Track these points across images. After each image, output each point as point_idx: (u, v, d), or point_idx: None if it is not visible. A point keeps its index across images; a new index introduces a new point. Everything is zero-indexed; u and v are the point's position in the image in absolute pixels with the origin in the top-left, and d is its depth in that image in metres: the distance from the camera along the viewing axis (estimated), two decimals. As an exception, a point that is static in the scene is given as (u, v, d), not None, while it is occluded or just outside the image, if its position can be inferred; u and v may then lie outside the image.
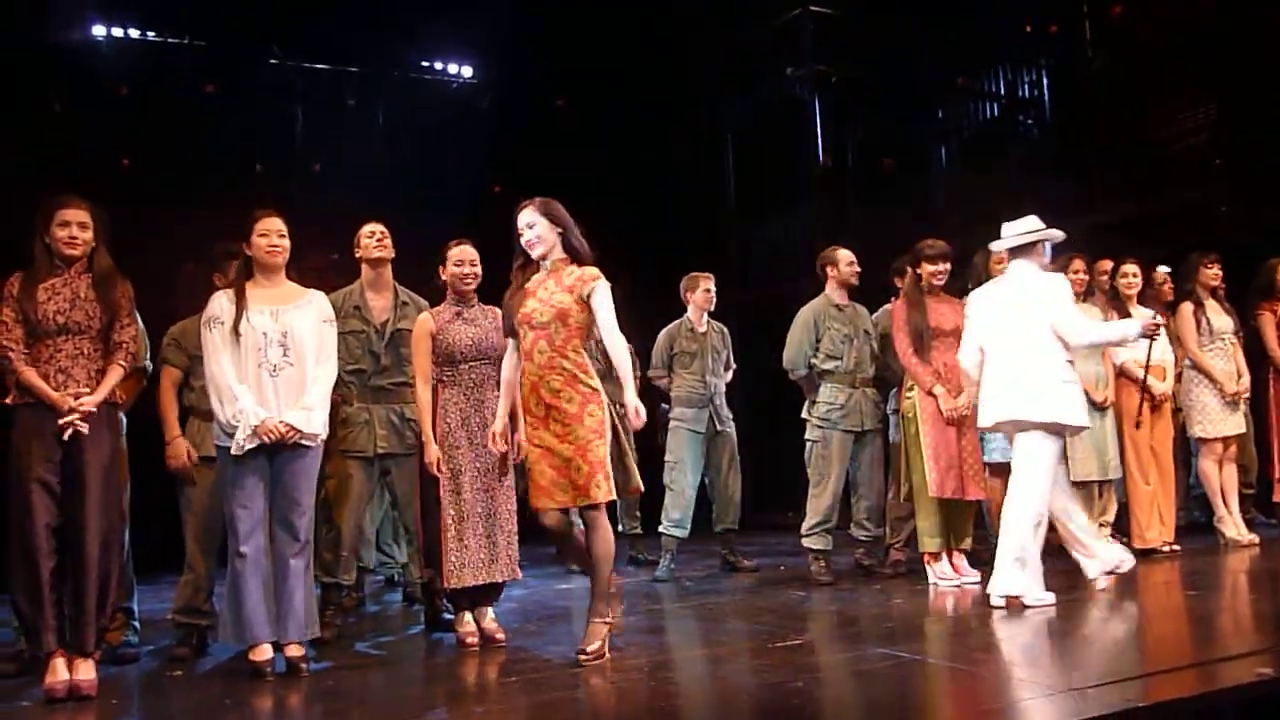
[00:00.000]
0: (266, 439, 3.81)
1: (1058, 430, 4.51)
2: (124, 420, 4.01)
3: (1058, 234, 4.70)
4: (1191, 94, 9.69)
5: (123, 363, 3.83)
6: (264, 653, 3.83)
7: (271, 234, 3.98)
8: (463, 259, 4.43)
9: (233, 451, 3.80)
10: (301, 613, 3.91)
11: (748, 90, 10.73)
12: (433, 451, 4.25)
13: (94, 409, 3.71)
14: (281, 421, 3.83)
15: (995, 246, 4.84)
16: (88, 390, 3.73)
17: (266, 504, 3.90)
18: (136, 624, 4.44)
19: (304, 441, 3.91)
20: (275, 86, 9.42)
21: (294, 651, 3.89)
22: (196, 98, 8.84)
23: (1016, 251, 4.72)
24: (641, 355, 6.75)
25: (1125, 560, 4.84)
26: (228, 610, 3.87)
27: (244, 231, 3.98)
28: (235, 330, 3.86)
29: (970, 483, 5.17)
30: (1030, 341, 4.54)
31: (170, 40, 8.98)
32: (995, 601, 4.51)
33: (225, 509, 3.92)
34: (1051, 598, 4.50)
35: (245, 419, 3.79)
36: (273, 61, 9.36)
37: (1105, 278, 5.99)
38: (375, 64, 9.78)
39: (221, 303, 3.93)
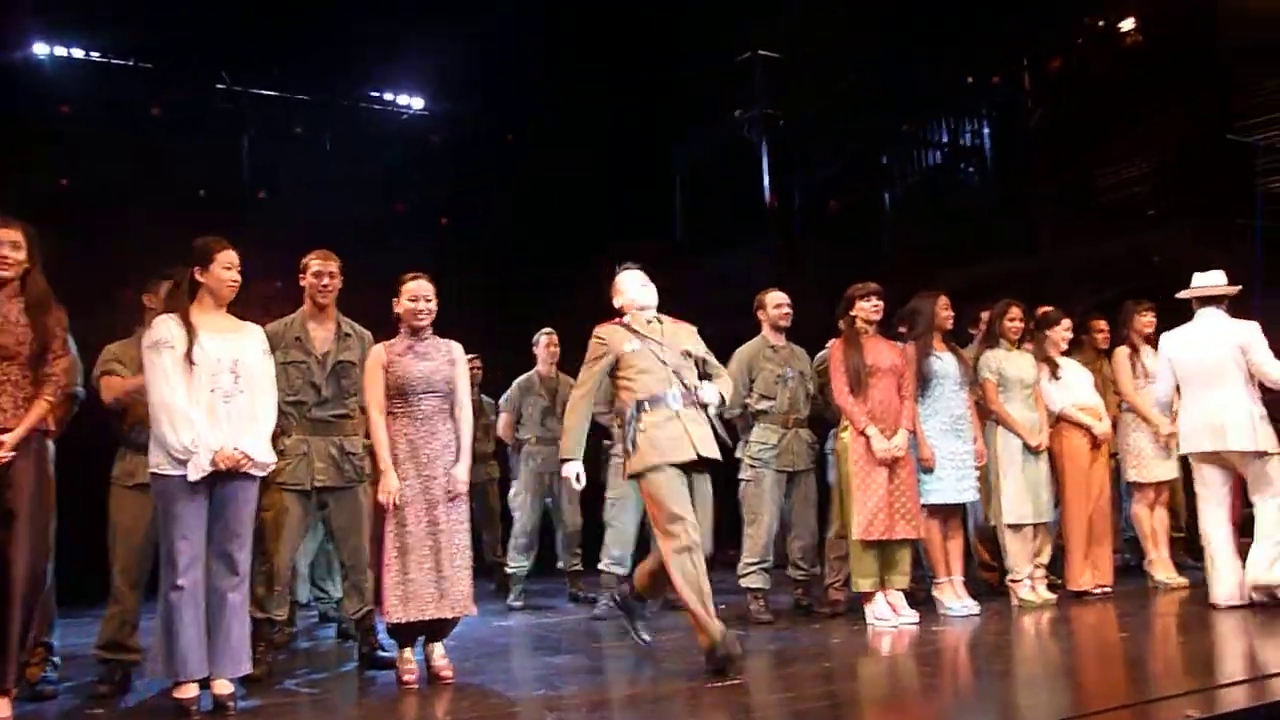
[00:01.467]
0: (224, 466, 3.75)
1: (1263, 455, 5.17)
2: (53, 448, 3.91)
3: (1235, 289, 5.42)
4: (1129, 145, 9.99)
5: (49, 397, 3.74)
6: (190, 690, 3.72)
7: (234, 268, 3.97)
8: (418, 294, 4.37)
9: (190, 478, 3.72)
10: (237, 648, 3.83)
11: (697, 130, 10.85)
12: (391, 481, 4.17)
13: (13, 452, 3.60)
14: (236, 449, 3.78)
15: (1185, 294, 5.45)
16: (14, 421, 3.63)
17: (204, 535, 3.82)
18: (56, 659, 4.30)
19: (254, 471, 3.86)
20: (222, 112, 9.34)
21: (222, 689, 3.78)
22: (141, 120, 8.73)
23: (1206, 301, 5.39)
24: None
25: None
26: (160, 645, 3.75)
27: (200, 259, 3.92)
28: (189, 357, 3.79)
29: (899, 521, 5.19)
30: (1232, 379, 5.21)
31: (115, 61, 8.87)
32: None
33: (163, 540, 3.80)
34: None
35: (205, 444, 3.72)
36: (220, 86, 9.29)
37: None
38: (325, 92, 9.74)
39: (170, 327, 3.84)
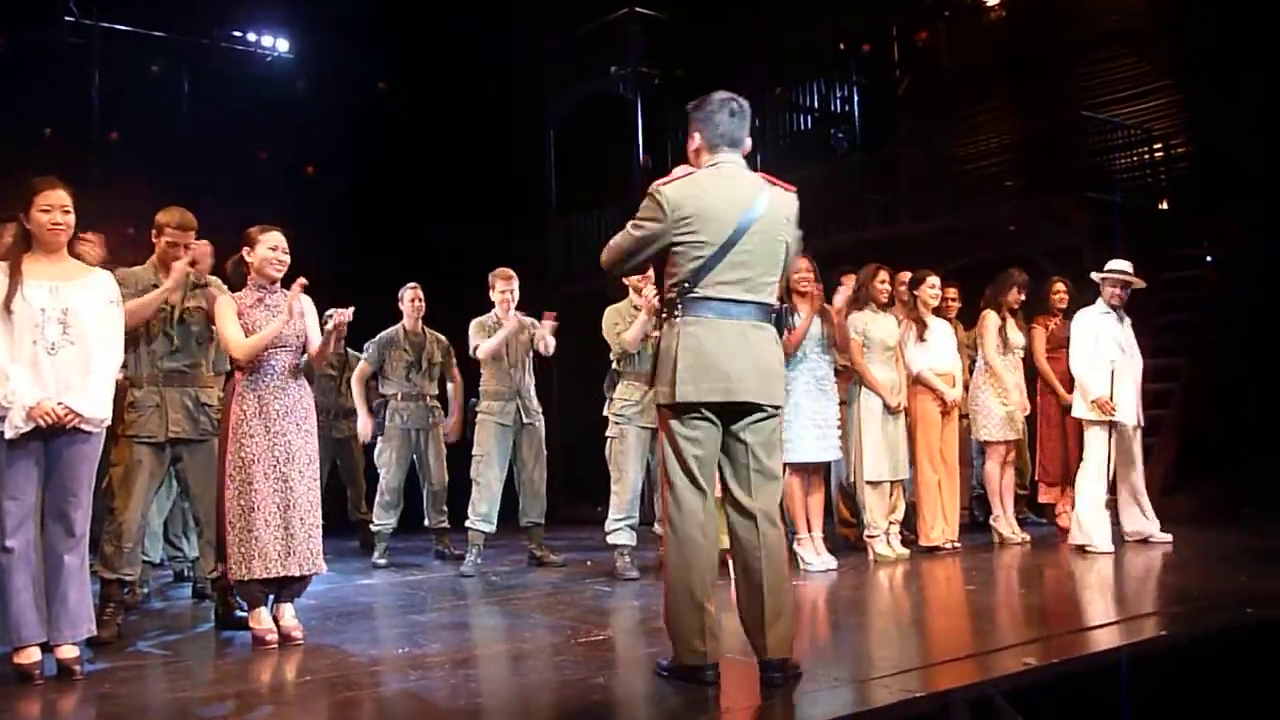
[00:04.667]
0: (42, 422, 3.54)
1: None
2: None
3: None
4: (990, 118, 10.34)
5: None
6: (30, 655, 3.55)
7: (54, 209, 3.67)
8: (277, 244, 4.25)
9: (7, 436, 3.51)
10: (75, 611, 3.65)
11: (572, 86, 10.75)
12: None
13: None
14: (60, 404, 3.58)
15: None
16: None
17: (39, 494, 3.63)
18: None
19: (84, 426, 3.64)
20: (70, 45, 8.80)
21: (66, 653, 3.63)
22: (-21, 52, 8.19)
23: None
24: (459, 348, 6.67)
25: None
26: (-8, 609, 3.57)
27: (23, 201, 3.69)
28: (7, 306, 3.57)
29: None
30: None
31: (-52, -13, 8.27)
32: None
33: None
34: None
35: (19, 400, 3.51)
36: (69, 19, 8.74)
37: (904, 288, 6.29)
38: (184, 29, 9.28)
39: None
